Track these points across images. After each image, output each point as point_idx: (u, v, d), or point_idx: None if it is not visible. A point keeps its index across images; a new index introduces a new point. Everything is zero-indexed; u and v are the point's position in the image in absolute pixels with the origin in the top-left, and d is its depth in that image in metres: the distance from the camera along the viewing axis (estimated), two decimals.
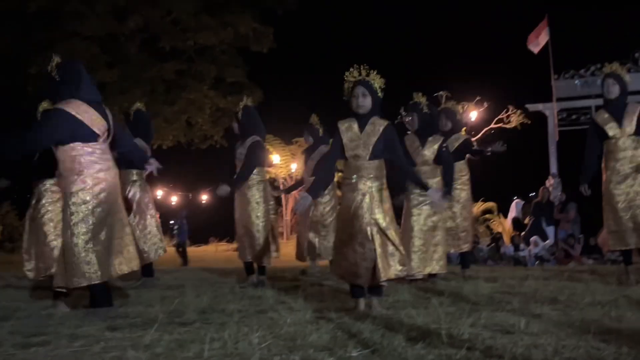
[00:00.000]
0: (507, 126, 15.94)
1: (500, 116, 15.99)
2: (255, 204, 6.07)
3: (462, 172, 6.47)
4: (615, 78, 5.68)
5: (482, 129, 16.05)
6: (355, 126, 4.25)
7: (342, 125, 4.30)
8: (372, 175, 4.19)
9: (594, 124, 5.85)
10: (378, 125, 4.23)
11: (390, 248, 4.14)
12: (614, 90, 5.66)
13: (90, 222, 4.06)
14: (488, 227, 15.90)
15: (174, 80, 19.16)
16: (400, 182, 5.62)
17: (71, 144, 4.10)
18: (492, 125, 16.06)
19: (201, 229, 21.54)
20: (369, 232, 4.06)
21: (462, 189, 6.45)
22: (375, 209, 4.11)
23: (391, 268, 4.11)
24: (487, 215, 16.52)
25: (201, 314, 4.10)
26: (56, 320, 3.90)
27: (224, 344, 3.06)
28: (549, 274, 6.55)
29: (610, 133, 5.65)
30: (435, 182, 5.60)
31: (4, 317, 4.03)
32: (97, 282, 4.04)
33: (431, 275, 5.80)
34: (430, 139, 5.74)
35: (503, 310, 3.98)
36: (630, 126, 5.60)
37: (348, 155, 4.26)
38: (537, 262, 10.79)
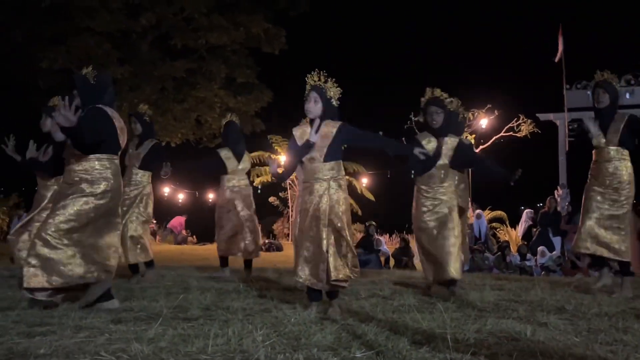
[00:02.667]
0: (518, 135, 15.87)
1: (510, 125, 15.92)
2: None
3: (461, 177, 6.21)
4: (606, 87, 5.53)
5: (492, 137, 16.00)
6: (308, 130, 4.34)
7: (296, 132, 4.43)
8: (327, 177, 4.25)
9: (582, 130, 5.73)
10: (331, 127, 4.29)
11: (344, 249, 4.19)
12: (604, 100, 5.51)
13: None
14: (495, 235, 15.86)
15: (184, 79, 19.20)
16: (399, 164, 5.65)
17: None
18: (502, 134, 16.00)
19: (206, 228, 21.55)
20: (324, 234, 4.13)
21: (462, 194, 6.20)
22: (331, 211, 4.18)
23: (343, 269, 4.14)
24: (494, 224, 16.49)
25: (205, 310, 4.10)
26: (60, 311, 3.91)
27: (227, 341, 3.05)
28: (555, 284, 6.50)
29: (595, 142, 5.54)
30: (447, 185, 5.34)
31: (9, 307, 4.06)
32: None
33: (450, 283, 5.18)
34: (446, 138, 5.38)
35: (509, 317, 3.95)
36: (615, 136, 5.45)
37: (304, 159, 4.33)
38: (543, 272, 10.73)
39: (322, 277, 4.13)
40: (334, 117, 4.35)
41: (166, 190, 23.29)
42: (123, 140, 4.39)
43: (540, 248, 11.61)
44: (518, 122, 15.84)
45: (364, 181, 22.50)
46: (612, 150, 5.49)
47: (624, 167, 5.50)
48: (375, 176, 22.48)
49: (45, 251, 4.05)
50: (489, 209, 17.52)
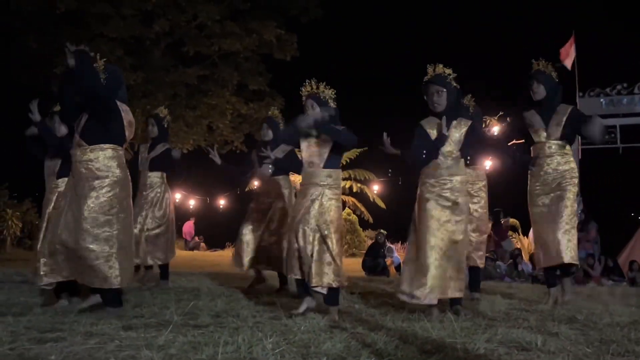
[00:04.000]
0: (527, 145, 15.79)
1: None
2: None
3: (478, 177, 5.68)
4: (538, 78, 5.12)
5: None
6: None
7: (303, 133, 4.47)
8: (323, 184, 4.35)
9: (523, 122, 5.31)
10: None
11: (328, 257, 4.26)
12: (539, 91, 5.11)
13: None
14: None
15: (196, 85, 19.30)
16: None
17: None
18: (515, 142, 15.94)
19: (217, 234, 21.62)
20: (310, 237, 4.26)
21: (478, 199, 5.61)
22: (320, 217, 4.29)
23: (325, 276, 4.24)
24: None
25: (215, 317, 4.11)
26: (71, 317, 3.93)
27: (237, 348, 3.05)
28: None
29: (535, 137, 5.18)
30: (459, 180, 4.40)
31: (20, 313, 4.08)
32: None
33: (453, 302, 4.50)
34: (454, 122, 4.44)
35: (520, 327, 3.92)
36: (557, 130, 5.09)
37: (304, 162, 4.46)
38: None
39: (303, 271, 4.32)
40: (335, 122, 4.40)
41: (177, 196, 23.38)
42: (130, 133, 4.42)
43: None
44: None
45: (376, 188, 22.45)
46: (554, 144, 5.13)
47: (567, 162, 5.15)
48: (387, 183, 22.43)
49: (64, 250, 4.08)
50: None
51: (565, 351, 3.16)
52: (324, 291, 4.28)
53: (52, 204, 5.34)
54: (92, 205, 4.14)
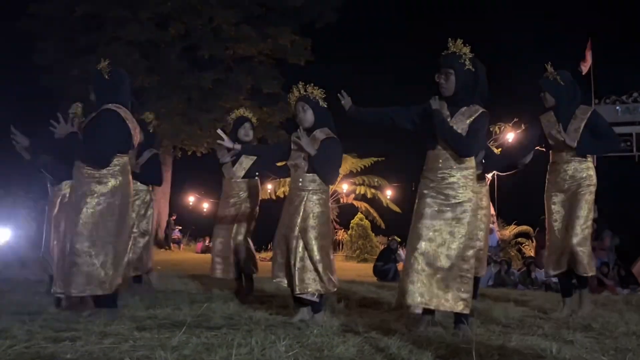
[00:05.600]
0: (545, 149, 15.71)
1: None
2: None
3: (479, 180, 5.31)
4: (543, 86, 4.97)
5: None
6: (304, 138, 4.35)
7: (294, 136, 4.38)
8: (307, 188, 4.26)
9: (539, 125, 5.11)
10: (320, 136, 4.31)
11: (310, 264, 4.18)
12: (548, 99, 4.97)
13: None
14: (520, 250, 15.68)
15: (210, 89, 19.40)
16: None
17: None
18: (538, 148, 15.86)
19: None
20: (293, 244, 4.18)
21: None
22: (303, 223, 4.20)
23: (309, 283, 4.16)
24: (520, 239, 16.30)
25: (228, 319, 4.12)
26: (86, 318, 3.95)
27: (251, 350, 3.06)
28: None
29: (552, 142, 4.98)
30: (462, 175, 3.91)
31: (36, 312, 4.12)
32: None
33: (457, 319, 3.95)
34: (463, 109, 3.94)
35: (534, 334, 3.89)
36: (575, 135, 4.85)
37: (289, 165, 4.39)
38: None
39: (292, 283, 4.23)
40: (329, 125, 4.38)
41: (191, 199, 23.48)
42: (135, 140, 4.39)
43: None
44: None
45: (389, 193, 22.44)
46: (572, 150, 4.88)
47: (585, 169, 4.93)
48: (399, 188, 22.42)
49: (72, 259, 4.09)
50: (514, 224, 17.32)
51: (581, 359, 3.14)
52: (314, 298, 4.20)
53: (57, 207, 5.32)
54: (91, 210, 4.08)
